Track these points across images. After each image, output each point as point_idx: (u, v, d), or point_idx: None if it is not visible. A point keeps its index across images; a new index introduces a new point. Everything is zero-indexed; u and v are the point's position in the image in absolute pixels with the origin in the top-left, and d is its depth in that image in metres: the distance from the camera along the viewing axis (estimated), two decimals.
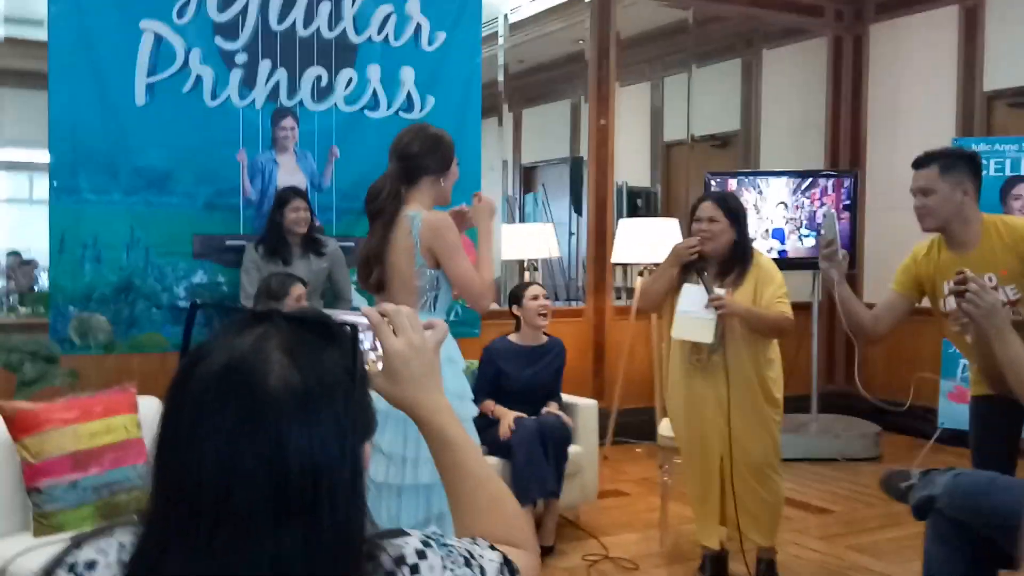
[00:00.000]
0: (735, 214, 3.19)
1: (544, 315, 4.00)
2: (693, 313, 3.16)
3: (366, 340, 0.98)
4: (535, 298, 4.02)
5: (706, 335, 3.16)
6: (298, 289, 3.55)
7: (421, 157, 2.69)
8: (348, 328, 0.84)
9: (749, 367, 3.21)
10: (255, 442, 0.74)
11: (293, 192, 4.21)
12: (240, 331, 0.80)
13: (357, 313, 0.99)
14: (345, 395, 0.80)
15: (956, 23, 5.78)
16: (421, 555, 0.83)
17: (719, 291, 3.14)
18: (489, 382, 3.96)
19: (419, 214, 2.62)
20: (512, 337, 4.07)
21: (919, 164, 2.75)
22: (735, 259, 3.19)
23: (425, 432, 0.99)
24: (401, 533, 0.85)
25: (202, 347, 0.80)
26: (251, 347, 0.78)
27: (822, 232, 2.89)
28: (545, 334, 4.12)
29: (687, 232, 3.44)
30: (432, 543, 0.85)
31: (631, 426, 5.55)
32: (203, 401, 0.76)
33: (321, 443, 0.76)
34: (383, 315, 0.99)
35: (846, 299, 2.78)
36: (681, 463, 3.54)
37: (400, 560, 0.82)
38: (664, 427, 4.42)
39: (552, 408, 3.96)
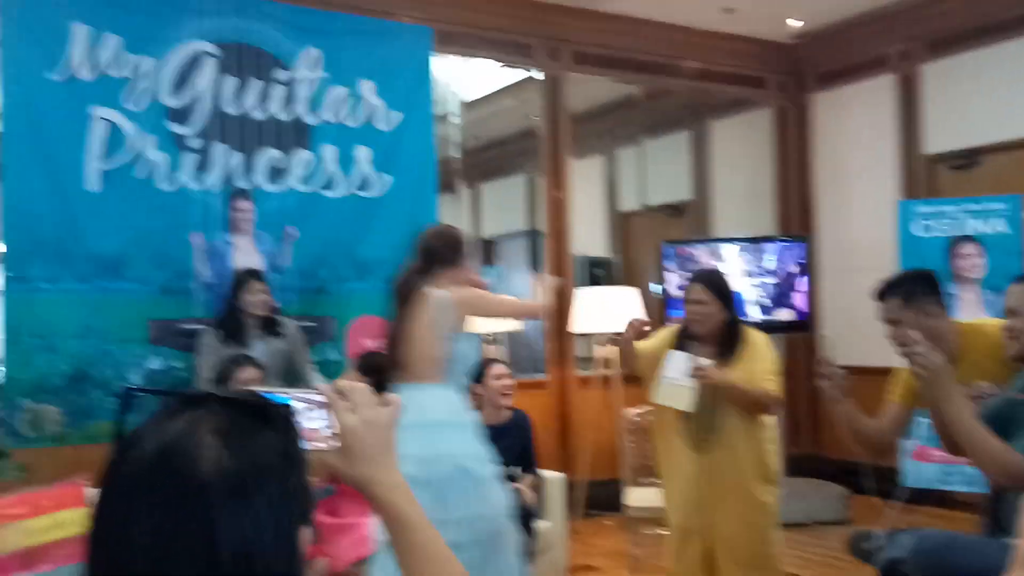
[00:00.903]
0: (723, 294, 3.23)
1: (508, 395, 3.99)
2: (675, 380, 3.18)
3: (322, 418, 0.98)
4: (499, 377, 4.00)
5: (684, 402, 3.17)
6: (247, 372, 3.50)
7: (439, 251, 3.14)
8: (284, 409, 0.84)
9: (747, 443, 3.20)
10: (186, 531, 0.73)
11: (249, 274, 4.19)
12: (172, 415, 0.80)
13: (312, 391, 0.99)
14: (281, 479, 0.79)
15: (894, 91, 6.02)
16: None
17: (703, 361, 3.16)
18: None
19: (445, 292, 3.05)
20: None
21: (881, 295, 2.76)
22: (726, 339, 3.22)
23: (380, 511, 0.99)
24: None
25: (133, 433, 0.79)
26: (183, 431, 0.77)
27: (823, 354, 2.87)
28: (508, 408, 4.09)
29: (647, 302, 3.46)
30: None
31: (600, 498, 5.49)
32: (133, 489, 0.75)
33: (255, 530, 0.75)
34: (339, 392, 0.99)
35: (850, 418, 2.78)
36: (666, 536, 3.48)
37: None
38: (633, 497, 4.40)
39: (526, 482, 3.92)
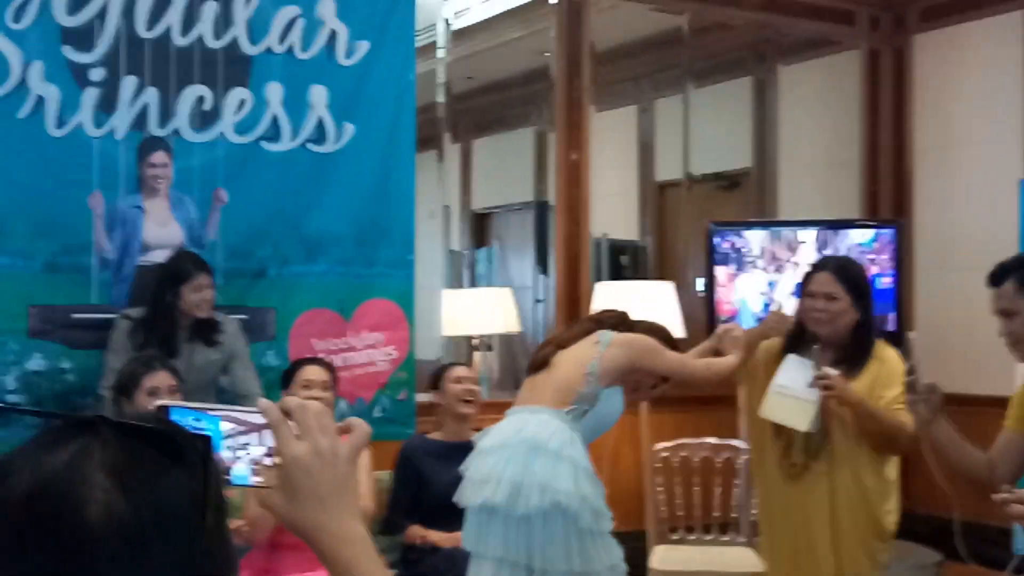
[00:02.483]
0: (860, 289, 3.26)
1: (469, 402, 4.05)
2: (791, 390, 3.20)
3: (261, 444, 0.98)
4: (458, 380, 4.10)
5: (801, 420, 3.19)
6: (158, 379, 3.46)
7: (649, 331, 3.47)
8: (200, 441, 0.83)
9: (860, 483, 3.22)
10: None
11: (195, 263, 4.14)
12: (53, 444, 0.79)
13: (250, 410, 1.00)
14: (189, 531, 0.78)
15: None
16: None
17: (830, 370, 3.17)
18: (409, 493, 3.95)
19: (613, 334, 3.36)
20: (433, 435, 4.13)
21: (995, 280, 2.80)
22: (855, 346, 3.24)
23: (329, 568, 0.98)
24: None
25: (1, 465, 0.79)
26: (65, 467, 0.77)
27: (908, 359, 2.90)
28: (471, 423, 4.11)
29: (689, 301, 3.50)
30: None
31: None
32: (0, 540, 0.75)
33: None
34: (285, 412, 0.99)
35: (943, 444, 2.76)
36: None
37: None
38: (659, 558, 4.37)
39: None
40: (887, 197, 6.55)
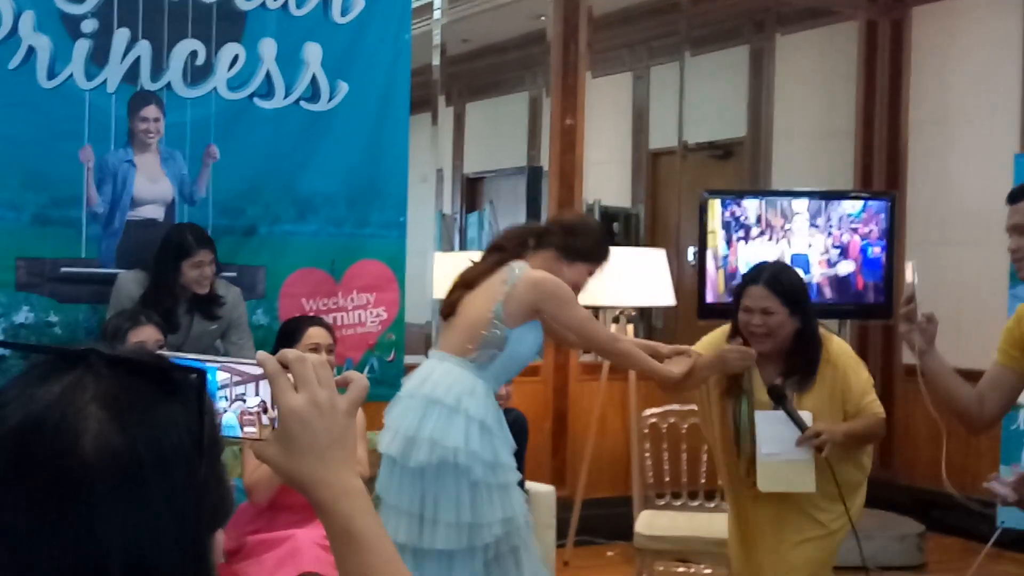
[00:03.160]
0: (795, 298, 3.18)
1: None
2: (780, 455, 3.13)
3: (256, 394, 0.99)
4: None
5: (807, 483, 3.14)
6: (144, 333, 3.46)
7: (566, 232, 3.37)
8: (194, 375, 0.82)
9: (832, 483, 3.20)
10: (60, 531, 0.73)
11: (195, 237, 4.10)
12: (44, 378, 0.78)
13: (250, 361, 1.00)
14: (187, 467, 0.78)
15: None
16: None
17: (806, 418, 3.11)
18: None
19: (524, 267, 3.24)
20: None
21: (1014, 197, 2.77)
22: (800, 355, 3.19)
23: (326, 522, 0.98)
24: None
25: None
26: (58, 399, 0.76)
27: (908, 283, 2.88)
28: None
29: (678, 271, 3.49)
30: None
31: (600, 521, 5.49)
32: None
33: (152, 533, 0.75)
34: (283, 364, 0.99)
35: (937, 375, 2.75)
36: None
37: None
38: (644, 523, 4.40)
39: None
40: (881, 169, 6.55)
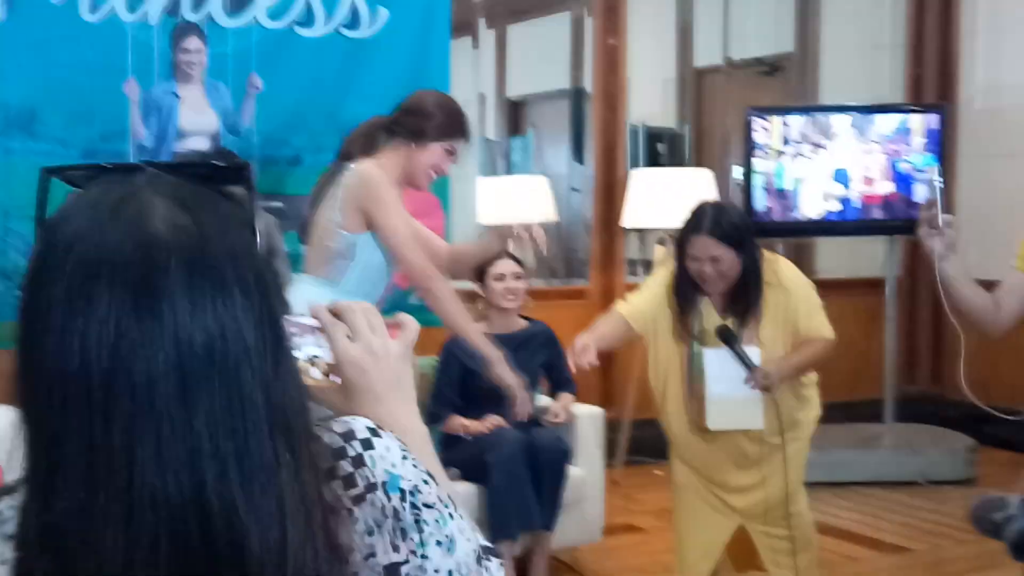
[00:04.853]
0: (739, 239, 3.16)
1: (512, 299, 4.05)
2: (729, 396, 3.16)
3: (310, 346, 1.02)
4: (500, 277, 4.05)
5: (754, 419, 3.19)
6: None
7: (407, 114, 3.10)
8: (244, 168, 0.89)
9: (782, 407, 3.25)
10: (142, 319, 0.76)
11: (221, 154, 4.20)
12: (106, 188, 0.82)
13: (302, 315, 1.03)
14: (251, 256, 0.82)
15: None
16: (374, 433, 0.89)
17: (752, 353, 3.13)
18: (453, 386, 3.97)
19: (357, 165, 2.99)
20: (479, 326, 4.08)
21: None
22: (745, 291, 3.20)
23: None
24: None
25: (59, 211, 0.82)
26: (121, 197, 0.80)
27: (931, 191, 2.86)
28: (524, 317, 4.13)
29: (724, 189, 3.46)
30: (387, 432, 0.91)
31: (648, 442, 5.53)
32: (68, 273, 0.77)
33: (231, 319, 0.78)
34: (335, 314, 1.03)
35: (953, 281, 2.75)
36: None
37: (349, 435, 0.88)
38: None
39: (562, 400, 4.03)
40: (931, 81, 6.43)
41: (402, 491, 0.87)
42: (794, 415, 3.29)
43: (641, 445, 5.54)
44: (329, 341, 1.01)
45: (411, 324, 1.06)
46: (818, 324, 3.24)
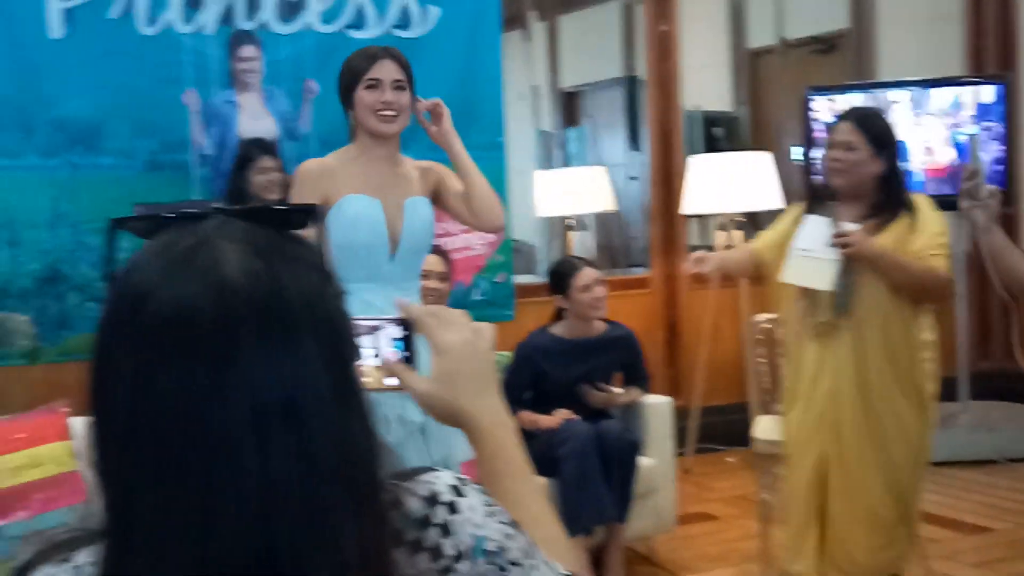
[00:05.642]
0: (882, 140, 3.15)
1: (599, 308, 4.00)
2: (811, 251, 3.15)
3: (391, 337, 1.04)
4: (586, 288, 3.96)
5: (823, 279, 3.14)
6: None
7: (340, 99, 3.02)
8: (311, 212, 0.90)
9: (889, 340, 3.16)
10: (219, 373, 0.75)
11: (257, 147, 4.26)
12: (179, 234, 0.82)
13: (387, 316, 1.05)
14: (323, 301, 0.82)
15: None
16: (457, 492, 0.88)
17: (849, 226, 3.12)
18: (524, 387, 3.97)
19: None
20: (555, 329, 4.05)
21: None
22: (881, 200, 3.16)
23: (481, 448, 1.04)
24: (425, 470, 0.90)
25: (130, 263, 0.81)
26: (193, 244, 0.80)
27: (968, 160, 2.84)
28: (604, 320, 4.10)
29: (784, 172, 3.45)
30: (468, 483, 0.90)
31: (719, 428, 5.52)
32: (141, 329, 0.77)
33: (305, 368, 0.78)
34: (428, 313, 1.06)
35: (997, 250, 2.73)
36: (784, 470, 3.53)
37: (433, 499, 0.87)
38: (762, 428, 4.40)
39: (632, 394, 4.03)
40: (993, 52, 6.30)
41: (488, 552, 0.87)
42: (909, 351, 3.19)
43: (711, 432, 5.52)
44: (426, 331, 1.03)
45: (487, 328, 1.08)
46: (932, 255, 3.11)
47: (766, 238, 3.46)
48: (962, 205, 2.76)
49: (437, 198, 3.07)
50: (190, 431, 0.75)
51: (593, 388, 3.96)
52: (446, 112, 3.06)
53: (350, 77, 2.96)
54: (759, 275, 3.53)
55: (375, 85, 2.92)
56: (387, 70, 2.92)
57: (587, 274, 3.98)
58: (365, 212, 2.86)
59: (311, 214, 0.89)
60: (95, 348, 0.80)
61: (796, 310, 3.30)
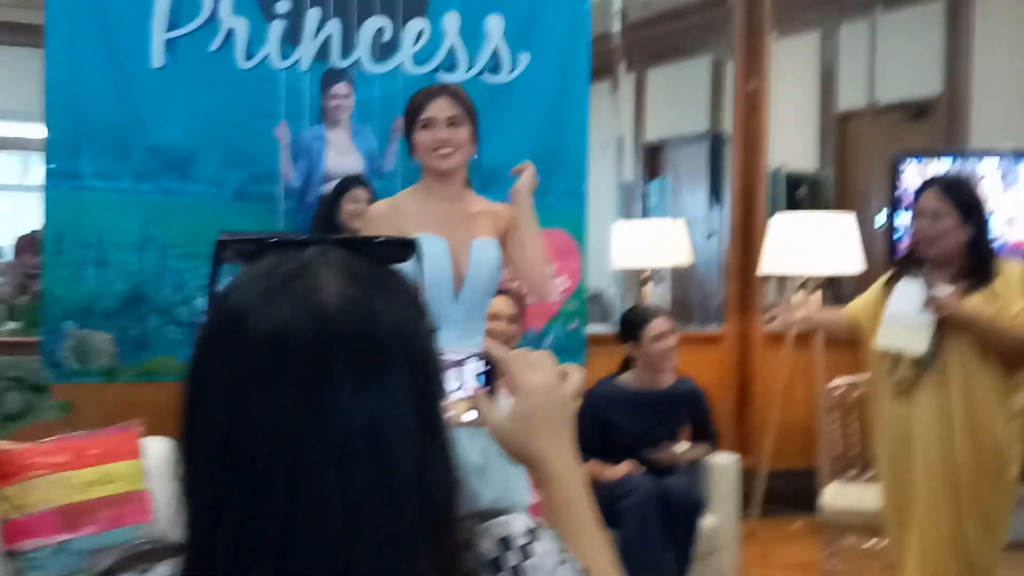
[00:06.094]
0: (969, 207, 3.15)
1: (670, 359, 3.97)
2: (904, 316, 3.16)
3: (475, 372, 1.04)
4: (659, 337, 3.94)
5: (917, 343, 3.14)
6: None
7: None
8: (412, 244, 0.90)
9: (972, 403, 3.13)
10: (311, 400, 0.77)
11: (354, 179, 4.36)
12: (279, 260, 0.83)
13: (471, 350, 1.06)
14: (417, 334, 0.83)
15: None
16: (532, 537, 0.88)
17: (943, 289, 3.11)
18: (590, 437, 3.94)
19: None
20: (624, 379, 4.03)
21: None
22: (970, 266, 3.16)
23: (552, 493, 1.03)
24: (501, 511, 0.90)
25: (230, 284, 0.83)
26: (294, 269, 0.82)
27: None
28: (674, 373, 4.07)
29: (868, 235, 3.44)
30: (543, 528, 0.90)
31: (786, 493, 5.42)
32: (238, 354, 0.79)
33: (393, 402, 0.79)
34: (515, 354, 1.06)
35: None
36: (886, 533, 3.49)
37: (506, 542, 0.87)
38: (832, 495, 4.32)
39: (698, 451, 3.99)
40: None
41: None
42: (996, 420, 3.14)
43: (778, 495, 5.42)
44: (510, 371, 1.03)
45: (577, 373, 1.08)
46: (1023, 321, 3.10)
47: (858, 303, 3.47)
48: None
49: (504, 243, 3.08)
50: (278, 451, 0.76)
51: (657, 449, 3.92)
52: (527, 175, 3.06)
53: (408, 119, 3.01)
54: (853, 338, 3.52)
55: (429, 124, 2.95)
56: (440, 107, 2.95)
57: (659, 323, 3.96)
58: (430, 251, 2.87)
59: (411, 248, 0.90)
60: (191, 364, 0.82)
61: (881, 370, 3.30)
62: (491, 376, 1.07)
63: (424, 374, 0.82)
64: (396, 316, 0.81)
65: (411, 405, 0.80)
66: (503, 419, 1.03)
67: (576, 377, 1.07)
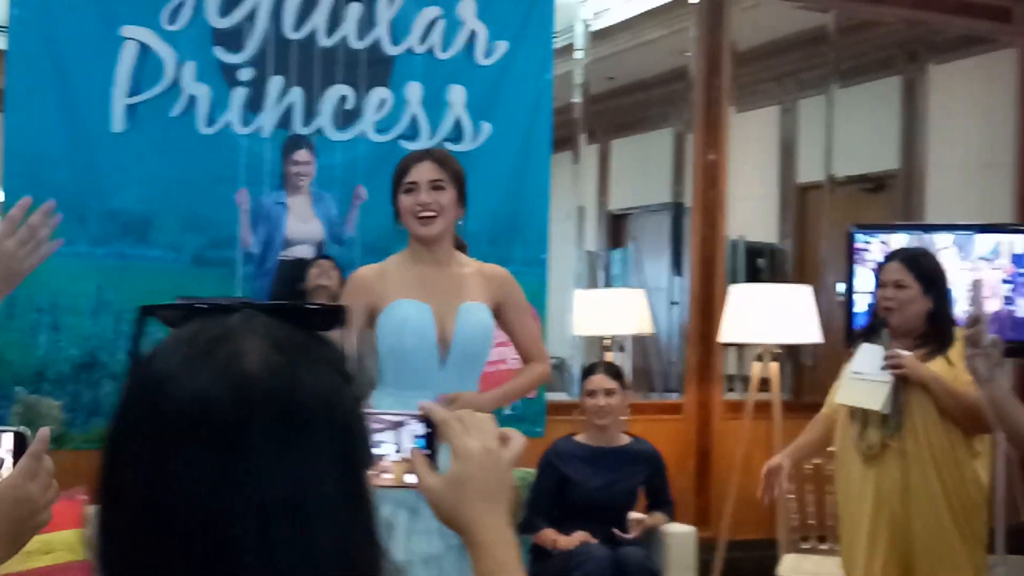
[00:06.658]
0: (930, 278, 3.28)
1: (603, 417, 4.02)
2: (865, 375, 3.27)
3: (388, 443, 1.03)
4: (592, 394, 4.03)
5: (875, 400, 3.21)
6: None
7: None
8: (340, 311, 0.89)
9: (938, 465, 3.17)
10: (228, 470, 0.75)
11: (319, 251, 4.49)
12: (204, 324, 0.83)
13: (394, 411, 1.05)
14: (341, 403, 0.81)
15: None
16: None
17: (903, 353, 3.20)
18: (550, 495, 3.94)
19: None
20: (580, 437, 4.07)
21: None
22: (930, 335, 3.26)
23: (479, 561, 1.01)
24: None
25: (155, 350, 0.83)
26: (219, 334, 0.81)
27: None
28: (628, 434, 4.08)
29: (824, 306, 3.48)
30: None
31: (744, 563, 5.36)
32: (159, 425, 0.77)
33: (315, 470, 0.77)
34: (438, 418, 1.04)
35: (999, 402, 2.70)
36: None
37: None
38: (790, 567, 4.28)
39: (656, 519, 4.00)
40: None
41: None
42: (960, 483, 3.18)
43: (737, 567, 5.36)
44: (447, 434, 1.02)
45: (519, 439, 1.06)
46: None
47: (831, 397, 3.52)
48: (965, 354, 2.73)
49: (499, 311, 3.03)
50: (196, 521, 0.74)
51: (620, 521, 3.90)
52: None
53: (393, 183, 3.00)
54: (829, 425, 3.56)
55: (412, 188, 2.94)
56: (423, 171, 2.95)
57: (597, 380, 4.05)
58: (413, 316, 2.83)
59: (338, 316, 0.89)
60: (110, 431, 0.81)
61: (847, 435, 3.33)
62: (432, 439, 1.05)
63: (349, 441, 0.80)
64: (319, 383, 0.80)
65: (335, 473, 0.78)
66: (437, 483, 1.01)
67: (518, 443, 1.05)
